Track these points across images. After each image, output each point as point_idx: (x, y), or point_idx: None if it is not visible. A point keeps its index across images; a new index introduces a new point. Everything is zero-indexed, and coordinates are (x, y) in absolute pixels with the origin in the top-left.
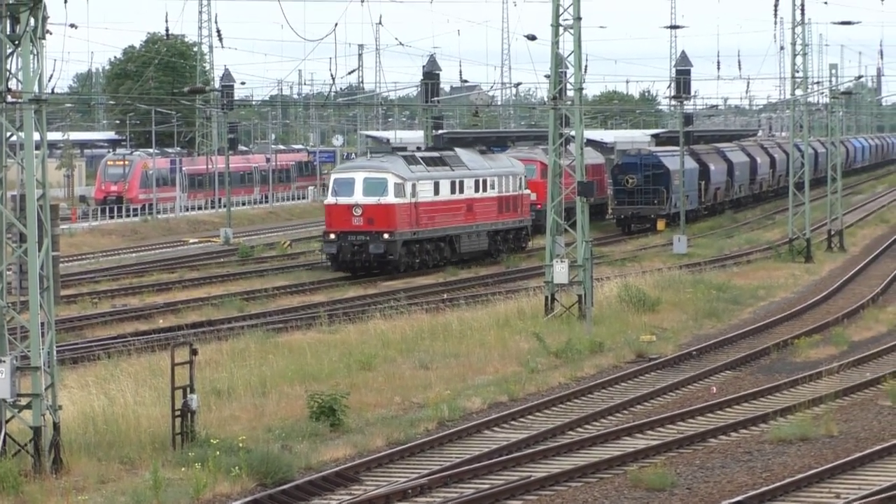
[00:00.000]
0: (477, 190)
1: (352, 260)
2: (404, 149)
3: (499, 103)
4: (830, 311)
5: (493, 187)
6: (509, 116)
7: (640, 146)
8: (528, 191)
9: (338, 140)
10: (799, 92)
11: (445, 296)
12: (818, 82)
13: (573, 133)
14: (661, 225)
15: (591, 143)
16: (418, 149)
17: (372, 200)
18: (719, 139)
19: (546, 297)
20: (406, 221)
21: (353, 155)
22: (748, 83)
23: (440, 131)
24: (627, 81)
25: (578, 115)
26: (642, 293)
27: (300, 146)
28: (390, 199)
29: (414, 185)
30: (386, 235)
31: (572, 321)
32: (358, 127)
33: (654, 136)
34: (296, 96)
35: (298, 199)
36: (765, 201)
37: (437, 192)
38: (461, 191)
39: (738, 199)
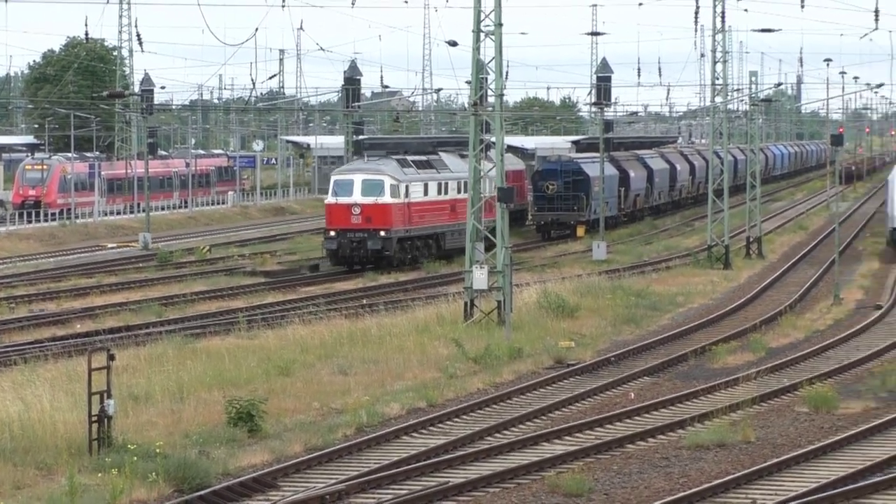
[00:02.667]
0: (459, 191)
1: (350, 255)
2: (397, 152)
3: (420, 109)
4: (748, 318)
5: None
6: (430, 122)
7: (561, 152)
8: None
9: (258, 145)
10: (719, 99)
11: (365, 301)
12: (738, 89)
13: (494, 139)
14: (580, 231)
15: (511, 149)
16: (405, 153)
17: (370, 200)
18: (639, 146)
19: (465, 303)
20: (400, 220)
21: (274, 160)
22: (668, 90)
23: (360, 137)
24: (548, 88)
25: (499, 121)
26: (561, 299)
27: (220, 151)
28: (387, 199)
29: (407, 187)
30: (383, 233)
31: (491, 327)
32: (278, 132)
33: (574, 142)
34: (216, 101)
35: (218, 203)
36: (684, 208)
37: (426, 192)
38: (446, 192)
39: (657, 205)
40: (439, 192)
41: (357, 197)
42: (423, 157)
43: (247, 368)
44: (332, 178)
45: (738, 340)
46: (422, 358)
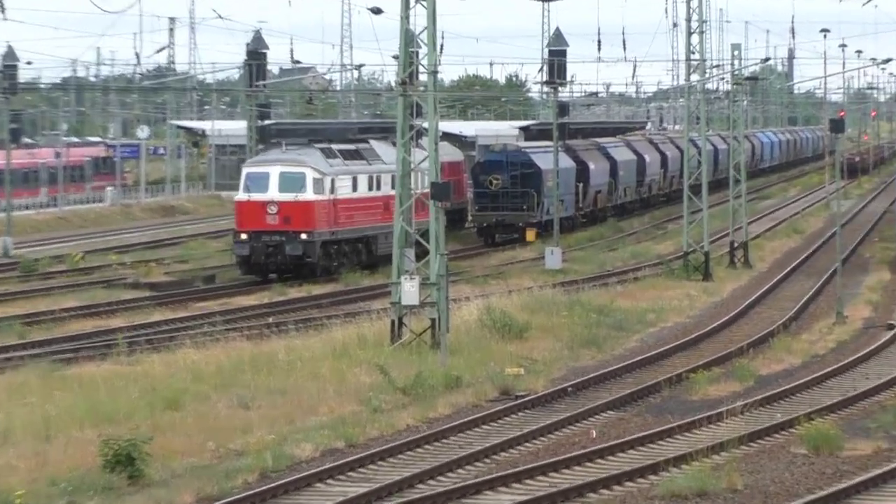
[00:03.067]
0: (394, 186)
1: (265, 262)
2: (320, 141)
3: (338, 88)
4: (733, 340)
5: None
6: (350, 104)
7: (507, 141)
8: (466, 174)
9: (143, 131)
10: (695, 77)
11: (271, 319)
12: (718, 66)
13: (426, 125)
14: (530, 235)
15: (447, 136)
16: (330, 141)
17: (289, 197)
18: (601, 133)
19: (392, 322)
20: (325, 220)
21: (162, 150)
22: (634, 66)
23: (267, 121)
24: (491, 64)
25: (433, 103)
26: (508, 317)
27: (97, 139)
28: (309, 195)
29: (333, 181)
30: (304, 236)
31: (424, 350)
32: (168, 116)
33: (522, 128)
34: (93, 79)
35: (94, 202)
36: (655, 207)
37: (355, 188)
38: (378, 187)
39: (622, 204)
40: (370, 188)
41: (273, 193)
42: (352, 146)
43: (127, 401)
44: (244, 171)
45: (721, 367)
46: (340, 388)
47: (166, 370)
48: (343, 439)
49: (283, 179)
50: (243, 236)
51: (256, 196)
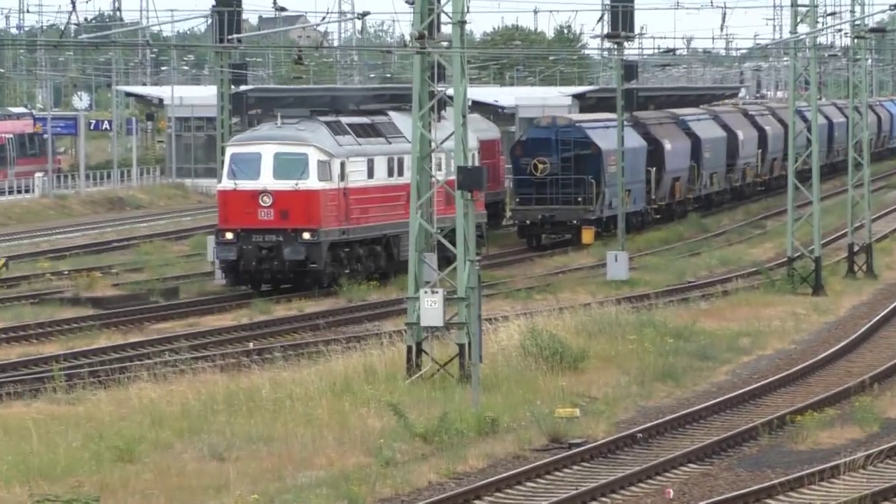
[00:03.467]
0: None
1: (257, 270)
2: (325, 112)
3: (335, 44)
4: (852, 372)
5: (439, 167)
6: (352, 65)
7: (556, 113)
8: (503, 157)
9: (82, 100)
10: (803, 28)
11: (251, 346)
12: (833, 13)
13: (451, 92)
14: (587, 236)
15: (479, 106)
16: (337, 113)
17: (287, 185)
18: (680, 103)
19: (409, 349)
20: (333, 216)
21: (107, 124)
22: (724, 15)
23: (243, 87)
24: (536, 11)
25: (460, 62)
26: (559, 342)
27: (22, 109)
28: (313, 182)
29: (343, 164)
30: (307, 235)
31: (450, 386)
32: (113, 80)
33: (577, 96)
34: (14, 31)
35: (19, 191)
36: (750, 199)
37: (371, 174)
38: (401, 172)
39: (708, 195)
40: (391, 173)
41: (267, 180)
42: (366, 120)
43: (67, 451)
44: (229, 151)
45: (836, 407)
46: (341, 434)
47: (116, 411)
48: (346, 500)
49: (280, 162)
50: (229, 236)
51: (245, 184)
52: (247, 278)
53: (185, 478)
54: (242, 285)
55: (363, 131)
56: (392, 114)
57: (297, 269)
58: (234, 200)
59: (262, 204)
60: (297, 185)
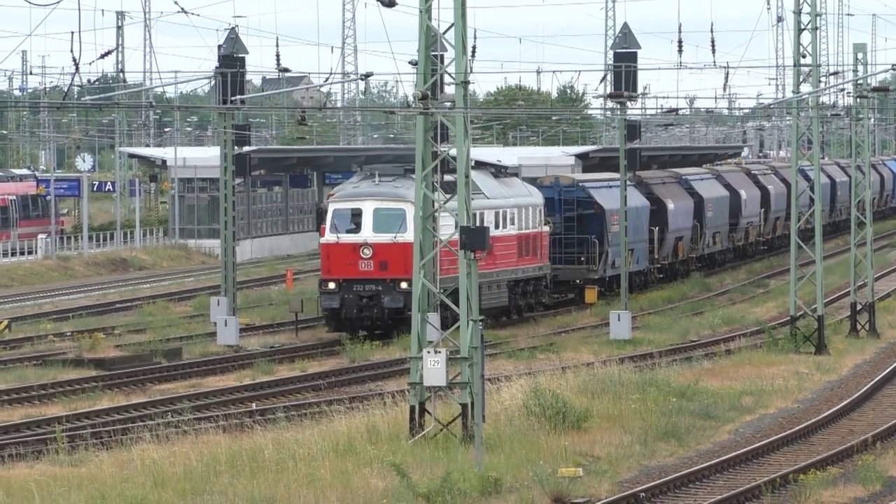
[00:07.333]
0: (497, 226)
1: (359, 317)
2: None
3: (338, 105)
4: (855, 431)
5: (512, 222)
6: (355, 125)
7: (559, 172)
8: (547, 228)
9: (84, 161)
10: (805, 88)
11: (255, 406)
12: (836, 73)
13: (454, 152)
14: (590, 295)
15: (482, 166)
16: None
17: (386, 238)
18: (683, 162)
19: (412, 409)
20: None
21: (110, 185)
22: (726, 74)
23: (246, 148)
24: (539, 71)
25: (462, 123)
26: (562, 402)
27: (25, 171)
28: (410, 235)
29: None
30: (404, 284)
31: (453, 446)
32: (117, 141)
33: (580, 156)
34: (17, 93)
35: (23, 253)
36: (753, 259)
37: (457, 226)
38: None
39: (711, 254)
40: None
41: (367, 233)
42: (451, 178)
43: None
44: (331, 207)
45: (838, 466)
46: (344, 494)
47: (119, 472)
48: None
49: (379, 217)
50: (332, 286)
51: (347, 238)
52: (349, 325)
53: None
54: (344, 331)
55: (448, 188)
56: (473, 172)
57: (396, 317)
58: (337, 253)
59: (363, 256)
60: (395, 237)
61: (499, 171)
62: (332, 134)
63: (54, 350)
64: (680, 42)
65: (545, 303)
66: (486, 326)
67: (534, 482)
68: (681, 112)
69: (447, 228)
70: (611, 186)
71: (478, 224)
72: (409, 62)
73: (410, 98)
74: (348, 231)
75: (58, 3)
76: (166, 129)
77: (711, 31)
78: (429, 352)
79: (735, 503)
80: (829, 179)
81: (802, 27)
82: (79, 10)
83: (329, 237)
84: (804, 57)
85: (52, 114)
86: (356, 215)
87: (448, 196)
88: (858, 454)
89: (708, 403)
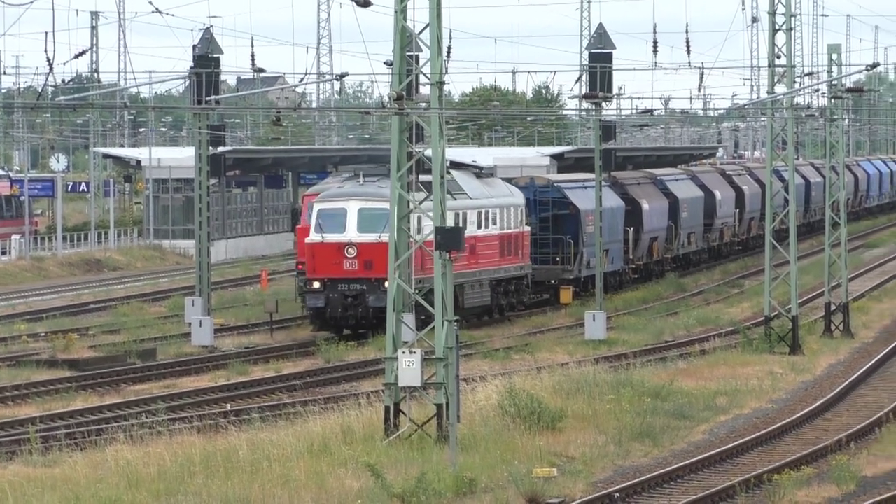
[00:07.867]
0: (479, 226)
1: (343, 316)
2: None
3: (313, 105)
4: (829, 431)
5: (494, 222)
6: (330, 126)
7: (534, 173)
8: (528, 228)
9: (59, 162)
10: (780, 89)
11: (229, 407)
12: (810, 73)
13: (429, 152)
14: (565, 296)
15: (457, 167)
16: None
17: (370, 238)
18: (657, 163)
19: (387, 409)
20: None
21: (84, 186)
22: (701, 75)
23: (221, 148)
24: (514, 72)
25: (438, 123)
26: (536, 402)
27: None
28: None
29: (419, 219)
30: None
31: (427, 446)
32: (91, 141)
33: (555, 156)
34: None
35: None
36: (728, 259)
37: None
38: (464, 227)
39: (685, 255)
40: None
41: (352, 233)
42: (428, 178)
43: None
44: (315, 207)
45: (813, 466)
46: (319, 495)
47: (93, 473)
48: None
49: (363, 217)
50: (316, 285)
51: (331, 237)
52: (333, 323)
53: None
54: (328, 330)
55: (429, 188)
56: (454, 172)
57: (380, 316)
58: (322, 252)
59: (348, 255)
60: (379, 237)
61: (481, 172)
62: (308, 134)
63: (28, 351)
64: (655, 43)
65: (526, 302)
66: (465, 326)
67: (508, 482)
68: (656, 112)
69: (429, 229)
70: (586, 187)
71: (461, 224)
72: (385, 62)
73: (386, 98)
74: (333, 230)
75: (31, 2)
76: (141, 130)
77: (686, 32)
78: (404, 352)
79: (709, 503)
80: (803, 180)
81: (777, 28)
82: (53, 9)
83: (314, 237)
84: (779, 58)
85: (26, 114)
86: (340, 215)
87: (426, 196)
88: (832, 454)
89: (682, 403)
